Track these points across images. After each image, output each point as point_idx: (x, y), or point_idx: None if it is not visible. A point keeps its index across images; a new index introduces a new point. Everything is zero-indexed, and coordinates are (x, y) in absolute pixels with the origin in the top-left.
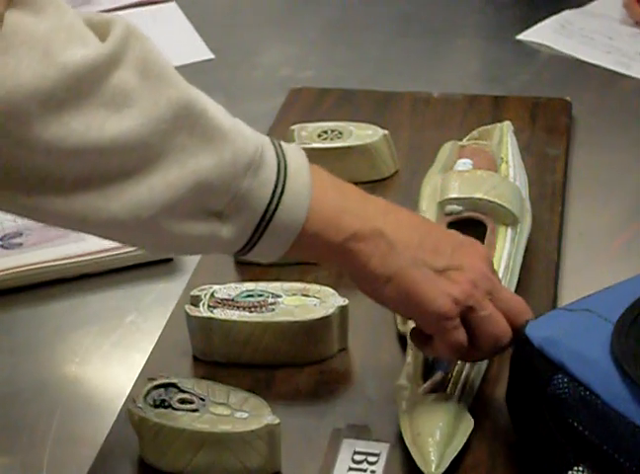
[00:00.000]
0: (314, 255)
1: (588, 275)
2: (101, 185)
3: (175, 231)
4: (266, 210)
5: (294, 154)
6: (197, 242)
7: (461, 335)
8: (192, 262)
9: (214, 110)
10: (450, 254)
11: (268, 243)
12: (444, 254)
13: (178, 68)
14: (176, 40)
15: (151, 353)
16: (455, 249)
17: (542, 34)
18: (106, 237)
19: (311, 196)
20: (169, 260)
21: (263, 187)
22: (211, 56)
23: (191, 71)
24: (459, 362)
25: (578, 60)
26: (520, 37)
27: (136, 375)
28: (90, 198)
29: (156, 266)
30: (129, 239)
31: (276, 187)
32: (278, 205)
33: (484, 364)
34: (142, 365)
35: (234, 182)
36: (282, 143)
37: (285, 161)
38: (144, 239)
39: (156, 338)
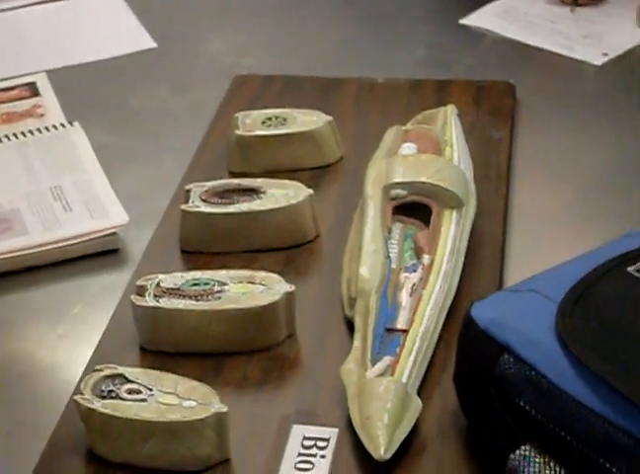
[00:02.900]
0: None
1: (533, 256)
2: None
3: None
4: None
5: None
6: None
7: None
8: (137, 252)
9: None
10: None
11: None
12: None
13: (120, 58)
14: (118, 30)
15: (98, 344)
16: None
17: (486, 18)
18: None
19: None
20: (114, 251)
21: None
22: (154, 45)
23: (133, 61)
24: (406, 347)
25: (522, 44)
26: (464, 21)
27: (84, 367)
28: None
29: (101, 257)
30: None
31: None
32: None
33: (431, 348)
34: (89, 357)
35: None
36: None
37: None
38: None
39: (103, 329)
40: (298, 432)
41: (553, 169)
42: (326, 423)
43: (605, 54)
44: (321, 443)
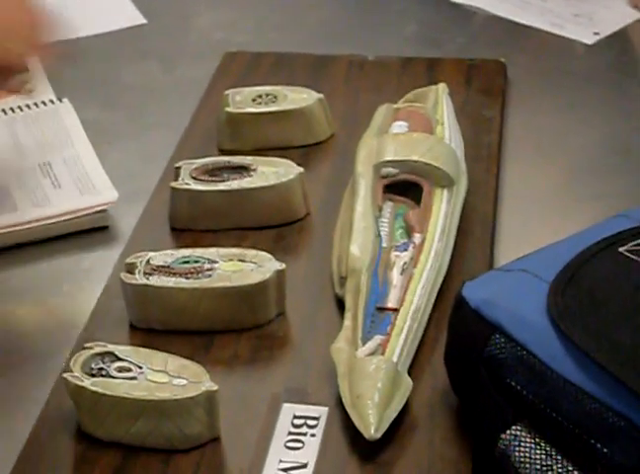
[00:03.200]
0: None
1: (523, 236)
2: None
3: None
4: None
5: None
6: None
7: None
8: (127, 229)
9: None
10: None
11: None
12: None
13: (110, 34)
14: (107, 6)
15: (88, 321)
16: None
17: None
18: None
19: None
20: (104, 228)
21: None
22: (144, 21)
23: (123, 37)
24: (397, 326)
25: (512, 22)
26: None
27: (73, 345)
28: None
29: (91, 234)
30: None
31: None
32: None
33: (421, 327)
34: (79, 334)
35: None
36: None
37: None
38: None
39: (92, 306)
40: (288, 410)
41: (544, 148)
42: (316, 401)
43: (597, 34)
44: (311, 422)
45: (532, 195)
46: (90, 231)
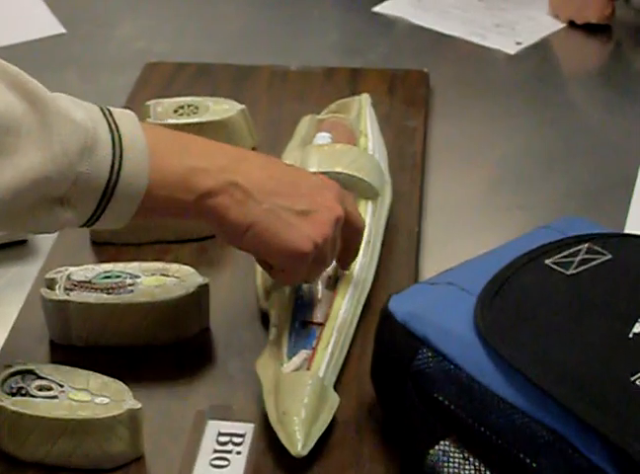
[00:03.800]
0: (169, 215)
1: (449, 247)
2: None
3: (16, 222)
4: (105, 187)
5: (128, 123)
6: (40, 225)
7: (307, 271)
8: (46, 243)
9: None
10: (308, 195)
11: (111, 215)
12: (302, 196)
13: (28, 43)
14: (24, 14)
15: (6, 339)
16: (312, 190)
17: (398, 6)
18: None
19: (150, 164)
20: (22, 241)
21: (100, 166)
22: (62, 30)
23: (41, 46)
24: (323, 340)
25: (434, 32)
26: (377, 9)
27: None
28: None
29: (8, 248)
30: None
31: (113, 163)
32: (117, 180)
33: (347, 341)
34: None
35: (70, 169)
36: (114, 112)
37: (119, 133)
38: None
39: (11, 323)
40: (213, 428)
41: (467, 158)
42: (242, 418)
43: (519, 43)
44: (237, 439)
45: (457, 205)
46: (8, 245)
